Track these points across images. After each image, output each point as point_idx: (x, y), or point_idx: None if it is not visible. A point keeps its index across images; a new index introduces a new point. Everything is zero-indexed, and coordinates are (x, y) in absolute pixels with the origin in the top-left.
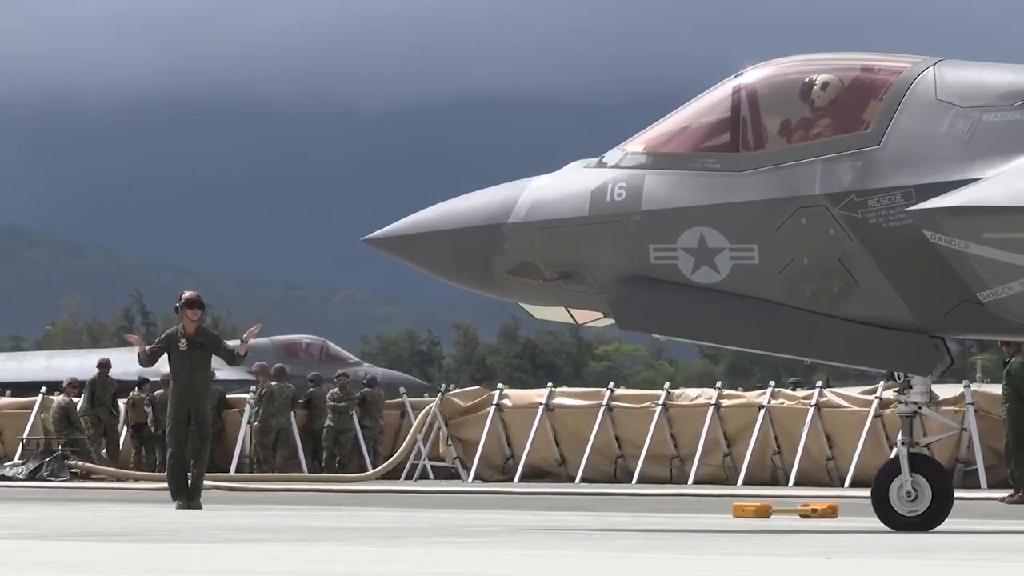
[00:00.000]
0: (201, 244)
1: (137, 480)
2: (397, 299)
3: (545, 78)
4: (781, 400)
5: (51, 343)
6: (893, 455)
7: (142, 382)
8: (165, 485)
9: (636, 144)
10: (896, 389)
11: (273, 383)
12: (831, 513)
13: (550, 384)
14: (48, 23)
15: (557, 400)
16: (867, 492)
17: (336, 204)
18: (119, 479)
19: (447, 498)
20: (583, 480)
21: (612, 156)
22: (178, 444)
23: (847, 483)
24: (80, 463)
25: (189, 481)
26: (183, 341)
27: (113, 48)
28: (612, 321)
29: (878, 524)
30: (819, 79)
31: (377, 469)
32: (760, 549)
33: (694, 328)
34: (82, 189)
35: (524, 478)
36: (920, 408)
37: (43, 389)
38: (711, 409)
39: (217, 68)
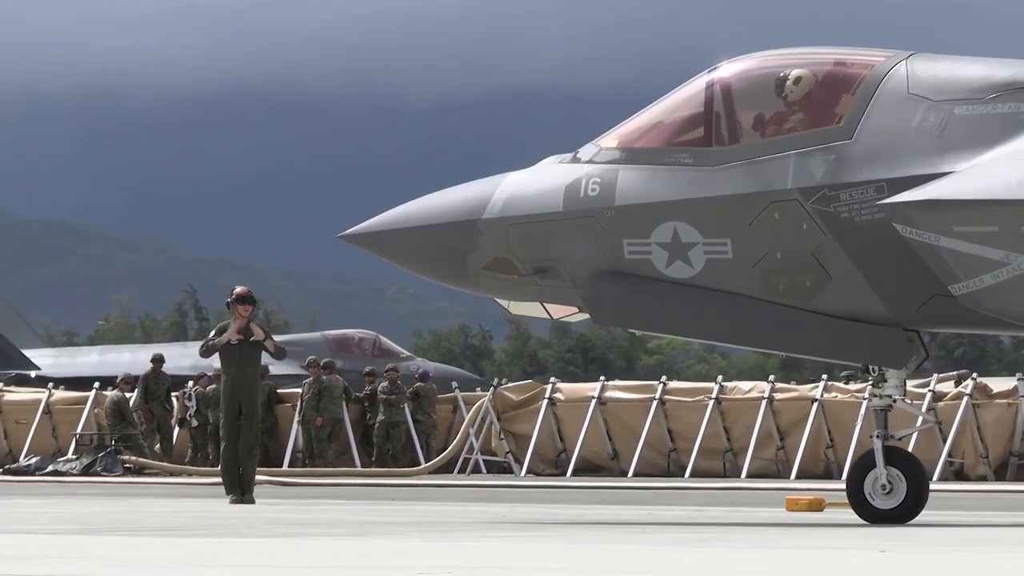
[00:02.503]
0: (252, 238)
1: (190, 475)
2: (449, 293)
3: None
4: (834, 393)
5: (104, 338)
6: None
7: (199, 376)
8: (217, 480)
9: (610, 139)
10: (870, 383)
11: (324, 377)
12: None
13: (602, 378)
14: (96, 17)
15: (609, 394)
16: None
17: (387, 198)
18: (172, 474)
19: (500, 492)
20: (636, 474)
21: (586, 151)
22: (231, 438)
23: None
24: (133, 458)
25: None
26: (236, 336)
27: (161, 42)
28: (587, 316)
29: (933, 517)
30: (792, 74)
31: (430, 463)
32: (813, 543)
33: (668, 323)
34: (132, 184)
35: (576, 472)
36: (895, 401)
37: (96, 384)
38: (764, 402)
39: (264, 61)
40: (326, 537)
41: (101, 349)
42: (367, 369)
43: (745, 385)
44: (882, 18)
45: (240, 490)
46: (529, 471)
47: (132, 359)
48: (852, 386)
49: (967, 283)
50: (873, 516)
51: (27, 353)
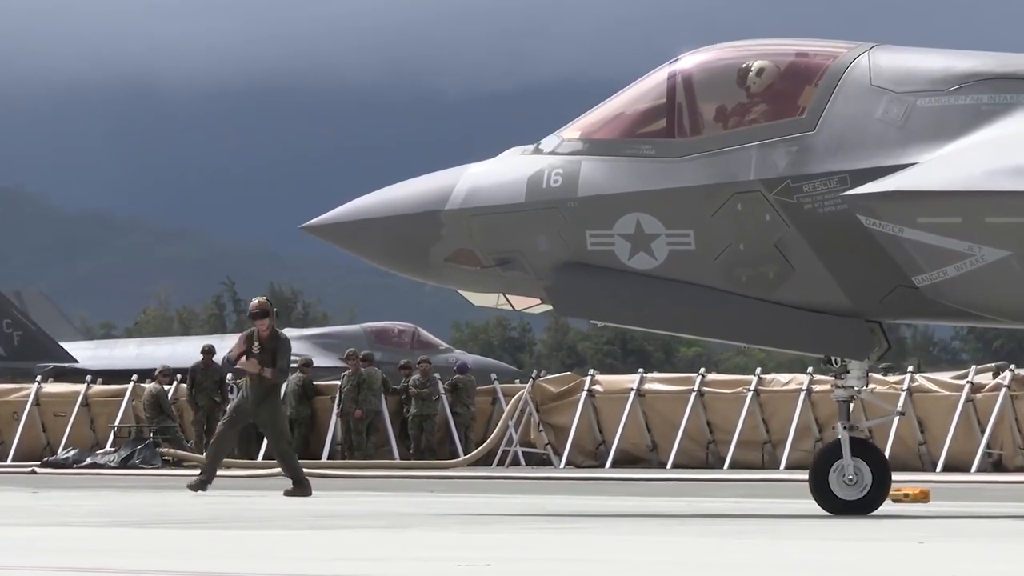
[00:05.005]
0: (291, 229)
1: (229, 467)
2: None
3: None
4: (873, 385)
5: (142, 331)
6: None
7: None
8: (258, 472)
9: (572, 130)
10: (832, 374)
11: (363, 369)
12: (923, 498)
13: (641, 370)
14: (132, 7)
15: (648, 386)
16: (961, 476)
17: None
18: None
19: (539, 484)
20: (674, 466)
21: (549, 143)
22: (224, 434)
23: (939, 468)
24: (171, 450)
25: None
26: (256, 345)
27: (197, 32)
28: (550, 308)
29: (971, 508)
30: (754, 65)
31: (469, 455)
32: (852, 534)
33: (631, 314)
34: (170, 175)
35: (616, 464)
36: (858, 392)
37: (134, 377)
38: (802, 394)
39: (299, 51)
40: (365, 529)
41: (139, 342)
42: (402, 362)
43: (784, 377)
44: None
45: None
46: (568, 463)
47: (170, 351)
48: (891, 378)
49: (931, 274)
50: (836, 507)
51: (65, 346)
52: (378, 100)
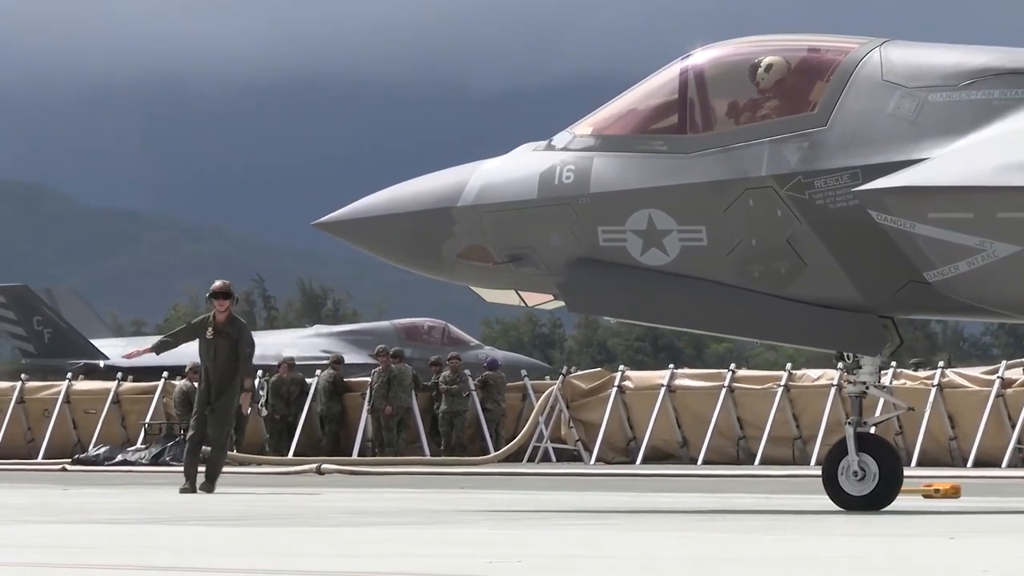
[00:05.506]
0: None
1: (259, 464)
2: None
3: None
4: (903, 381)
5: (172, 327)
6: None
7: (283, 362)
8: (288, 469)
9: (584, 127)
10: (844, 369)
11: (393, 366)
12: (954, 493)
13: (671, 366)
14: (162, 5)
15: (678, 382)
16: (992, 472)
17: None
18: (241, 463)
19: (569, 480)
20: (705, 462)
21: (561, 139)
22: (198, 428)
23: (970, 463)
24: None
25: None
26: (210, 330)
27: (226, 30)
28: (562, 304)
29: (1002, 504)
30: (766, 61)
31: (499, 452)
32: (883, 530)
33: (643, 310)
34: (198, 172)
35: (646, 460)
36: (869, 388)
37: (165, 374)
38: (833, 390)
39: (329, 49)
40: (395, 526)
41: None
42: (432, 358)
43: (814, 373)
44: None
45: (196, 480)
46: (598, 459)
47: None
48: (921, 373)
49: (942, 270)
50: (846, 502)
51: (95, 342)
52: (407, 98)
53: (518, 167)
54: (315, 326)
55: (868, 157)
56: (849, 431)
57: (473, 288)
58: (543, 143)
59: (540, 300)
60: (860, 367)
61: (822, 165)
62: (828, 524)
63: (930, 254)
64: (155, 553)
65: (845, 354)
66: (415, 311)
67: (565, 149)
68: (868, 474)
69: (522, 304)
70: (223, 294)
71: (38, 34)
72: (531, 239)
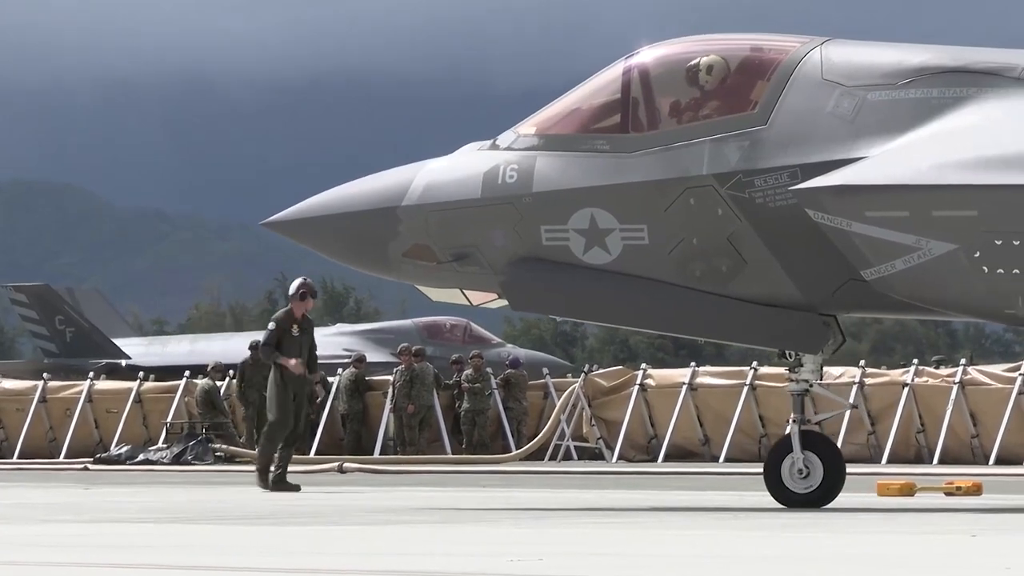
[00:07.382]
0: None
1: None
2: None
3: None
4: (925, 378)
5: (194, 326)
6: (786, 433)
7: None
8: (310, 468)
9: (528, 126)
10: (786, 368)
11: (416, 364)
12: (976, 491)
13: (693, 364)
14: (186, 3)
15: (700, 380)
16: (1014, 470)
17: None
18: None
19: (591, 479)
20: (727, 460)
21: (505, 138)
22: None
23: (992, 460)
24: (224, 446)
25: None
26: (295, 327)
27: (250, 28)
28: (506, 302)
29: (1022, 501)
30: (707, 60)
31: (521, 450)
32: (904, 527)
33: (586, 309)
34: (223, 171)
35: (668, 458)
36: (811, 386)
37: (187, 373)
38: (854, 387)
39: (352, 48)
40: (417, 524)
41: (191, 338)
42: (454, 357)
43: (836, 370)
44: None
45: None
46: (620, 457)
47: (222, 347)
48: (943, 371)
49: (879, 268)
50: (790, 500)
51: (118, 342)
52: (431, 97)
53: (462, 166)
54: (337, 324)
55: (807, 156)
56: (794, 429)
57: (419, 287)
58: (487, 142)
59: (485, 299)
60: (802, 365)
61: (762, 164)
62: (850, 522)
63: (867, 253)
64: (176, 552)
65: (787, 352)
66: (437, 309)
67: (509, 148)
68: (813, 471)
69: (467, 303)
70: (314, 292)
71: (59, 33)
72: (475, 238)
